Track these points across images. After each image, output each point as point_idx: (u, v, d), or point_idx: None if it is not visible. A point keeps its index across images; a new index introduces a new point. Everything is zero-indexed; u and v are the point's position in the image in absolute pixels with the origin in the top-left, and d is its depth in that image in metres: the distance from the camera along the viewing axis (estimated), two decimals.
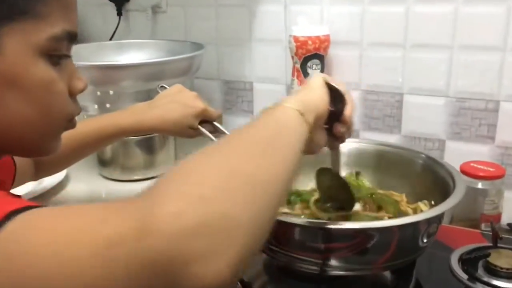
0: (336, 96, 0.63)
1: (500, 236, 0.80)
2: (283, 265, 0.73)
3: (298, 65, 1.12)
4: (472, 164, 0.97)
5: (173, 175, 0.41)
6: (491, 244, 0.81)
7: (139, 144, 1.09)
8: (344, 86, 0.65)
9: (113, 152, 1.10)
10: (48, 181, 1.07)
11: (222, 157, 0.44)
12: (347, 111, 0.64)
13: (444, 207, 0.64)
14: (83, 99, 1.04)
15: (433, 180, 0.78)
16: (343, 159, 0.88)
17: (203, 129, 0.85)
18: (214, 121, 0.87)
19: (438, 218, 0.67)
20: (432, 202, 0.78)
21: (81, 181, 1.13)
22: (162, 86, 0.92)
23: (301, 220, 0.64)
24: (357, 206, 0.77)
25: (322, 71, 1.13)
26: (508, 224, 0.99)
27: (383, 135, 1.16)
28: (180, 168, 0.42)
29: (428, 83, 1.10)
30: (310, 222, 0.63)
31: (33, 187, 1.05)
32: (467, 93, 1.06)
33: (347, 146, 0.89)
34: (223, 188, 0.39)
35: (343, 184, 0.75)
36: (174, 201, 0.36)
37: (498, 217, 0.98)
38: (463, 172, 0.96)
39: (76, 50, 1.20)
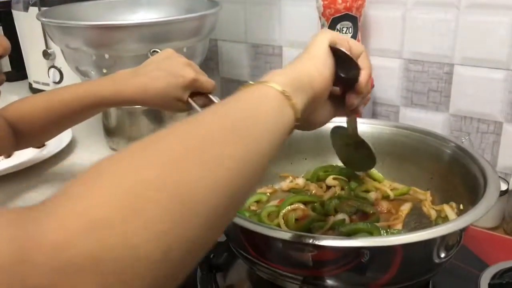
0: (346, 61, 0.52)
1: None
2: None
3: (325, 28, 0.96)
4: None
5: (76, 184, 0.30)
6: None
7: (146, 113, 1.00)
8: (359, 47, 0.55)
9: (119, 121, 1.02)
10: (52, 147, 1.01)
11: (148, 159, 0.32)
12: (362, 78, 0.54)
13: (461, 222, 0.48)
14: (79, 63, 0.98)
15: (462, 177, 0.61)
16: None
17: (193, 103, 0.73)
18: (210, 93, 0.74)
19: (458, 232, 0.52)
20: (461, 206, 0.62)
21: (87, 150, 1.06)
22: (154, 51, 0.80)
23: (280, 233, 0.51)
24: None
25: (354, 35, 0.96)
26: None
27: (428, 113, 0.99)
28: (89, 173, 0.31)
29: (485, 52, 0.91)
30: (290, 236, 0.50)
31: (34, 154, 1.00)
32: None
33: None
34: (133, 209, 0.29)
35: (361, 142, 0.66)
36: (62, 227, 0.27)
37: None
38: None
39: (85, 9, 1.14)
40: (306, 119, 0.49)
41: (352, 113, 0.59)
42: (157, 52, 0.79)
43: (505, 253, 0.68)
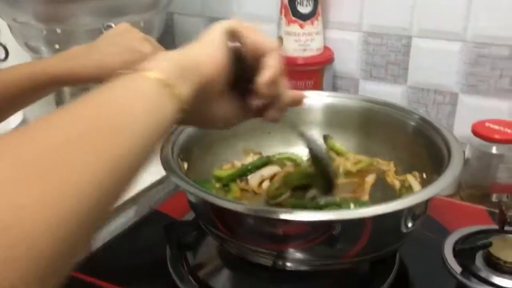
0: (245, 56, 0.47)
1: (509, 218, 0.64)
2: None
3: (286, 0, 0.94)
4: (487, 124, 0.82)
5: None
6: (497, 227, 0.66)
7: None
8: (267, 44, 0.47)
9: (73, 97, 0.97)
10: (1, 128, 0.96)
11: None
12: (260, 78, 0.47)
13: (429, 192, 0.49)
14: (29, 38, 0.93)
15: (426, 148, 0.63)
16: (315, 117, 0.74)
17: None
18: None
19: (425, 202, 0.53)
20: (424, 175, 0.63)
21: None
22: (108, 26, 0.77)
23: (247, 208, 0.50)
24: None
25: (314, 8, 0.95)
26: None
27: (386, 85, 1.00)
28: None
29: (442, 24, 0.92)
30: (256, 210, 0.49)
31: None
32: (488, 37, 0.89)
33: (320, 102, 0.73)
34: None
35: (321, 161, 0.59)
36: None
37: None
38: (476, 133, 0.81)
39: None
40: (198, 111, 0.46)
41: (263, 118, 0.52)
42: (112, 27, 0.76)
43: (465, 219, 0.71)
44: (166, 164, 0.55)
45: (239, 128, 0.74)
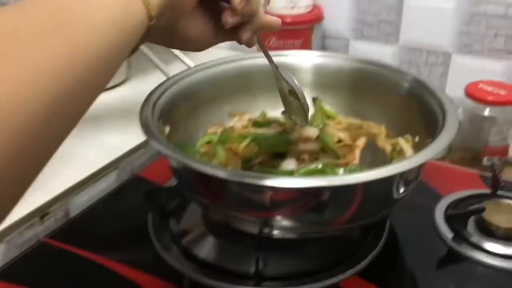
0: None
1: (502, 182, 0.63)
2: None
3: None
4: (480, 85, 0.80)
5: None
6: (489, 191, 0.64)
7: None
8: None
9: None
10: None
11: None
12: None
13: (422, 157, 0.46)
14: None
15: (419, 110, 0.60)
16: (304, 78, 0.70)
17: None
18: None
19: (419, 166, 0.50)
20: (416, 138, 0.61)
21: None
22: None
23: (230, 174, 0.47)
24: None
25: None
26: None
27: (377, 45, 0.97)
28: None
29: None
30: (240, 176, 0.46)
31: None
32: None
33: (309, 62, 0.69)
34: None
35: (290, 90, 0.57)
36: None
37: (504, 150, 0.81)
38: (469, 94, 0.78)
39: None
40: (168, 27, 0.42)
41: (237, 39, 0.49)
42: None
43: (456, 184, 0.69)
44: (146, 128, 0.52)
45: (223, 90, 0.71)
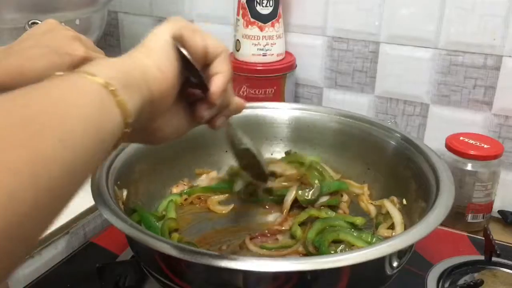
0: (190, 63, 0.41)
1: (497, 250, 0.57)
2: None
3: (243, 0, 0.85)
4: (461, 138, 0.76)
5: None
6: (482, 258, 0.59)
7: None
8: (216, 47, 0.43)
9: None
10: None
11: None
12: (213, 86, 0.42)
13: (418, 233, 0.40)
14: None
15: (408, 171, 0.54)
16: (279, 132, 0.65)
17: None
18: None
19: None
20: (404, 201, 0.55)
21: None
22: (33, 22, 0.65)
23: (196, 255, 0.39)
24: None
25: (275, 9, 0.86)
26: (500, 212, 0.79)
27: (352, 94, 0.93)
28: None
29: (412, 30, 0.85)
30: (215, 260, 0.39)
31: None
32: (462, 44, 0.82)
33: (285, 115, 0.64)
34: None
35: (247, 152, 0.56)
36: None
37: (489, 206, 0.76)
38: (450, 147, 0.74)
39: None
40: (145, 128, 0.41)
41: (210, 126, 0.48)
42: (37, 23, 0.64)
43: (445, 248, 0.63)
44: (97, 195, 0.44)
45: (188, 146, 0.65)
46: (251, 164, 0.58)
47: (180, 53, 0.39)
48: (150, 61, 0.38)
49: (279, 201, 0.60)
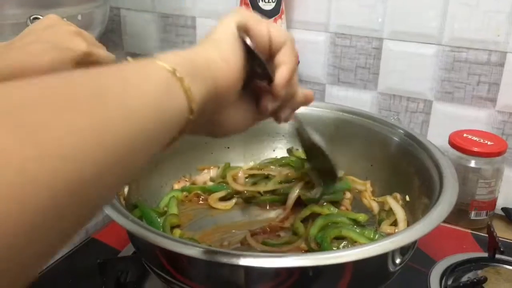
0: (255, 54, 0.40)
1: (501, 247, 0.57)
2: None
3: (240, 7, 0.85)
4: (465, 135, 0.76)
5: None
6: (486, 255, 0.58)
7: None
8: (281, 36, 0.42)
9: None
10: None
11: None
12: (278, 78, 0.41)
13: (421, 230, 0.40)
14: None
15: (411, 167, 0.54)
16: (282, 128, 0.64)
17: None
18: None
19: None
20: (407, 198, 0.54)
21: None
22: (35, 18, 0.64)
23: (204, 253, 0.39)
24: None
25: (278, 5, 0.86)
26: (503, 209, 0.79)
27: (355, 91, 0.92)
28: None
29: (415, 26, 0.84)
30: (212, 255, 0.38)
31: None
32: (466, 41, 0.81)
33: None
34: None
35: (318, 150, 0.54)
36: None
37: (492, 203, 0.76)
38: (453, 144, 0.74)
39: None
40: (210, 120, 0.40)
41: (277, 120, 0.47)
42: (39, 19, 0.63)
43: (448, 245, 0.63)
44: None
45: (190, 142, 0.64)
46: (320, 162, 0.56)
47: (245, 43, 0.39)
48: (216, 52, 0.38)
49: (281, 200, 0.60)
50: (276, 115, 0.46)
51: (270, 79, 0.41)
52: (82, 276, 0.58)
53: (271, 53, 0.42)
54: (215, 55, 0.37)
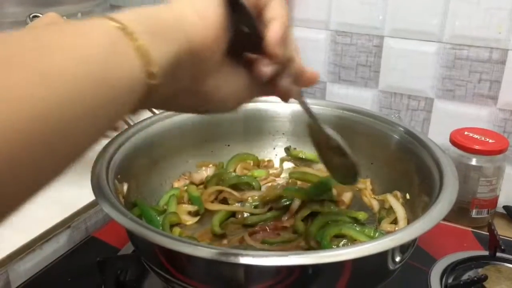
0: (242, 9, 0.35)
1: (502, 245, 0.56)
2: None
3: None
4: (466, 133, 0.75)
5: None
6: (487, 253, 0.58)
7: None
8: None
9: None
10: None
11: None
12: (270, 33, 0.36)
13: (421, 228, 0.39)
14: None
15: (411, 165, 0.54)
16: (281, 126, 0.64)
17: None
18: None
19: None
20: (407, 196, 0.54)
21: None
22: (34, 16, 0.64)
23: (204, 251, 0.39)
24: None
25: None
26: (505, 207, 0.79)
27: (356, 89, 0.92)
28: None
29: (416, 24, 0.84)
30: (213, 254, 0.38)
31: None
32: (467, 38, 0.81)
33: (287, 109, 0.63)
34: None
35: (333, 142, 0.49)
36: None
37: (494, 201, 0.76)
38: (454, 142, 0.73)
39: None
40: (195, 91, 0.36)
41: (276, 89, 0.41)
42: (38, 17, 0.64)
43: (449, 244, 0.63)
44: (96, 189, 0.44)
45: (191, 139, 0.64)
46: (337, 161, 0.51)
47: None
48: (190, 7, 0.33)
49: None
50: (276, 86, 0.40)
51: (261, 40, 0.36)
52: (82, 274, 0.58)
53: (259, 9, 0.37)
54: (189, 11, 0.33)
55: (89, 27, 0.28)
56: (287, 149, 0.67)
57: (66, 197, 0.68)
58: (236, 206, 0.59)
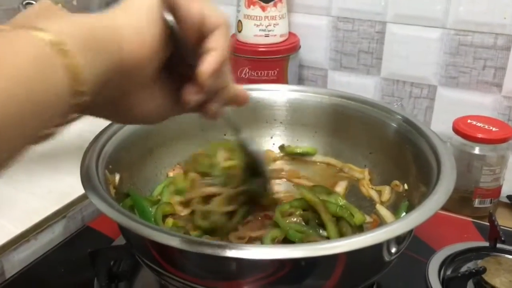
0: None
1: (502, 236, 0.55)
2: None
3: None
4: (469, 121, 0.74)
5: None
6: (487, 244, 0.57)
7: None
8: (215, 17, 0.37)
9: None
10: None
11: None
12: (204, 64, 0.35)
13: (416, 219, 0.38)
14: None
15: (410, 154, 0.52)
16: (278, 115, 0.63)
17: None
18: None
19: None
20: (405, 186, 0.53)
21: None
22: (27, 3, 0.63)
23: (193, 245, 0.38)
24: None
25: None
26: (508, 197, 0.77)
27: (358, 76, 0.90)
28: None
29: (419, 9, 0.82)
30: (198, 246, 0.37)
31: None
32: (471, 24, 0.79)
33: (283, 97, 0.62)
34: None
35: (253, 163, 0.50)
36: None
37: (497, 191, 0.74)
38: (457, 131, 0.72)
39: None
40: (117, 103, 0.35)
41: (202, 113, 0.41)
42: (32, 4, 0.62)
43: (448, 234, 0.62)
44: (85, 180, 0.43)
45: (187, 128, 0.63)
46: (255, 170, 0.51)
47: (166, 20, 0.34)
48: (127, 20, 0.32)
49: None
50: (204, 108, 0.40)
51: (194, 68, 0.36)
52: (76, 264, 0.57)
53: (202, 37, 0.37)
54: (125, 23, 0.32)
55: (16, 41, 0.27)
56: (281, 147, 0.66)
57: (61, 187, 0.67)
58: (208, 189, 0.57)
